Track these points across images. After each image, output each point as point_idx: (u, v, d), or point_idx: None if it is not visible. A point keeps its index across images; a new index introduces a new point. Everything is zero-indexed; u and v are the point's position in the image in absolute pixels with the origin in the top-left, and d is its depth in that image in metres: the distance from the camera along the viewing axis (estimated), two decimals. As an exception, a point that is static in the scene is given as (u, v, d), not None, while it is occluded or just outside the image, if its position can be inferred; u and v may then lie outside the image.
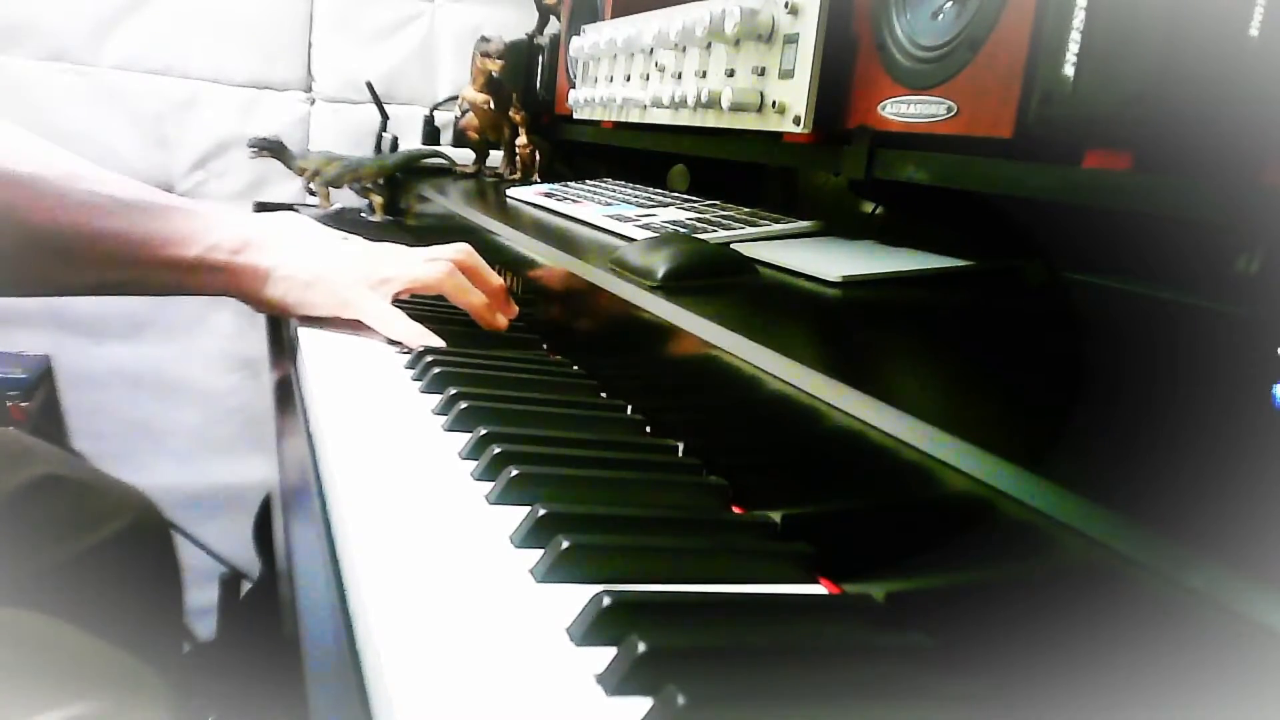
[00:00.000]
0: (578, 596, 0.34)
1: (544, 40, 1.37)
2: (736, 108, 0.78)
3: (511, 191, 1.13)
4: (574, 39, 1.17)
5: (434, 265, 0.73)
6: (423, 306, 0.76)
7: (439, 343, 0.68)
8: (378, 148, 1.63)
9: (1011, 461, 0.31)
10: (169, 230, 0.69)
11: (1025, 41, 0.54)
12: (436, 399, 0.57)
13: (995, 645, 0.31)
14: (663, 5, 0.92)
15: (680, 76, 0.89)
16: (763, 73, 0.76)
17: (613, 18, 1.12)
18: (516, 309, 0.77)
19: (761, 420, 0.45)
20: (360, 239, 0.77)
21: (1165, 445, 0.34)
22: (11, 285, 0.69)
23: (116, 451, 1.58)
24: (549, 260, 0.74)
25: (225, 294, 0.73)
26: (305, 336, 0.68)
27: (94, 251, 0.67)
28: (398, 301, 0.71)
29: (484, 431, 0.49)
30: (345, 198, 1.44)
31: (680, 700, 0.27)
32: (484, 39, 1.27)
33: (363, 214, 1.40)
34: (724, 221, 0.80)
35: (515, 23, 1.49)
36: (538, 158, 1.35)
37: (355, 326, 0.71)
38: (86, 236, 0.66)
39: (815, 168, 0.92)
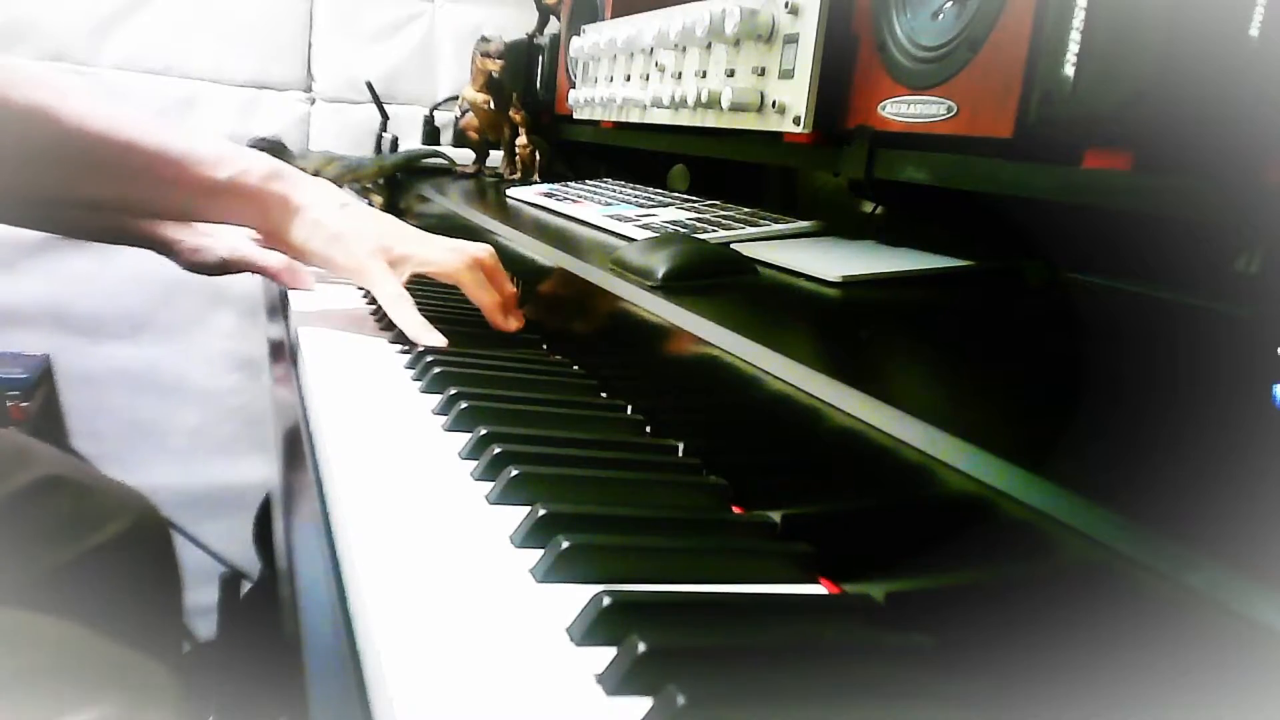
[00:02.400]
0: (578, 596, 0.34)
1: (544, 40, 1.37)
2: (736, 108, 0.78)
3: (511, 191, 1.13)
4: (574, 39, 1.17)
5: (454, 254, 0.72)
6: (431, 303, 0.76)
7: (440, 341, 0.67)
8: (378, 148, 1.63)
9: (1011, 461, 0.31)
10: (202, 149, 0.68)
11: (1025, 41, 0.54)
12: (436, 399, 0.57)
13: (995, 645, 0.31)
14: (663, 5, 0.92)
15: (680, 76, 0.89)
16: (763, 73, 0.76)
17: (613, 18, 1.12)
18: (523, 320, 0.77)
19: (761, 420, 0.45)
20: (375, 211, 0.77)
21: (1165, 445, 0.34)
22: (36, 193, 0.68)
23: (116, 452, 1.59)
24: (549, 260, 0.74)
25: (249, 224, 0.71)
26: (305, 336, 0.68)
27: (123, 163, 0.65)
28: (409, 287, 0.71)
29: (484, 431, 0.49)
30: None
31: (680, 700, 0.27)
32: (484, 39, 1.27)
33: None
34: (724, 221, 0.80)
35: (515, 23, 1.49)
36: (538, 158, 1.35)
37: (355, 326, 0.71)
38: (117, 146, 0.65)
39: (815, 168, 0.92)
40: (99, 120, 0.64)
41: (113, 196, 0.68)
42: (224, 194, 0.68)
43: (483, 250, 0.74)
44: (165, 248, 0.84)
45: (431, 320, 0.70)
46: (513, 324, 0.75)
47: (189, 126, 0.69)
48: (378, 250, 0.70)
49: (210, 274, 0.86)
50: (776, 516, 0.44)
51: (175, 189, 0.67)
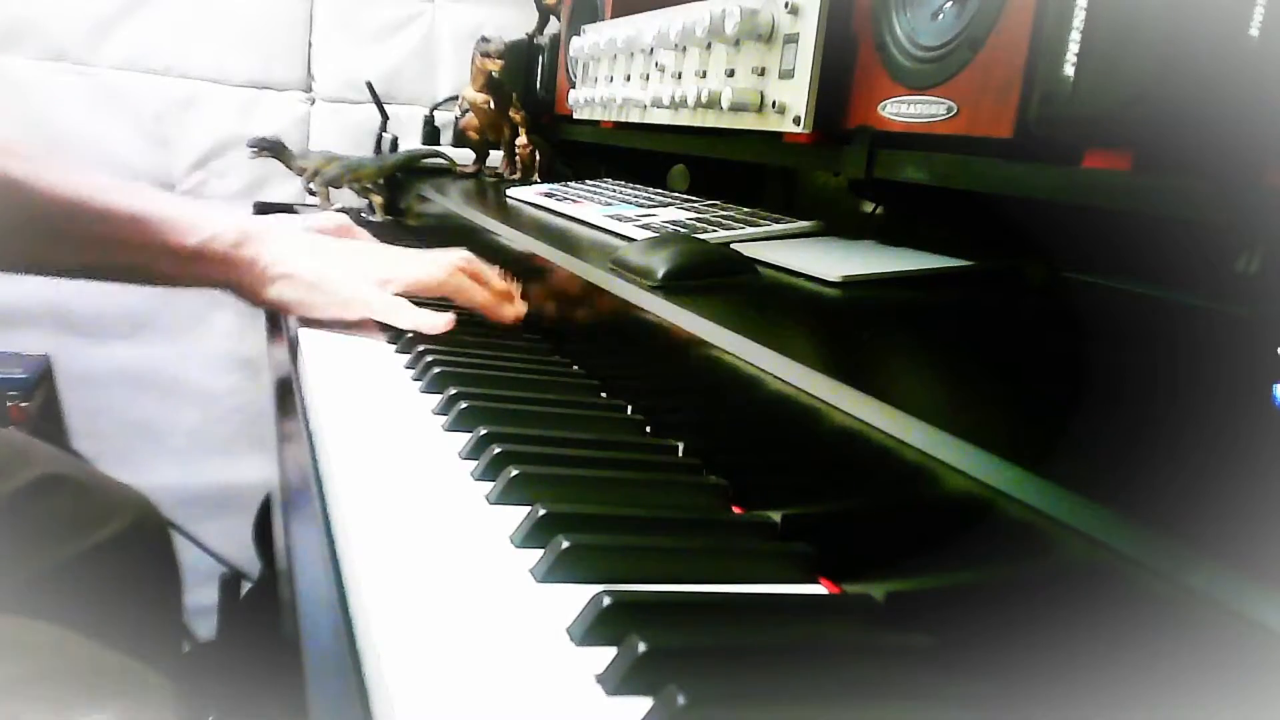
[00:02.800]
0: (578, 596, 0.34)
1: (544, 40, 1.37)
2: (736, 108, 0.78)
3: (511, 191, 1.13)
4: (574, 39, 1.17)
5: (435, 267, 0.73)
6: (426, 306, 0.76)
7: (450, 323, 0.68)
8: (378, 148, 1.63)
9: (1011, 461, 0.31)
10: (172, 214, 0.69)
11: (1025, 41, 0.54)
12: (437, 399, 0.57)
13: (995, 645, 0.31)
14: (663, 5, 0.92)
15: (680, 76, 0.89)
16: (763, 73, 0.76)
17: (613, 18, 1.12)
18: (524, 308, 0.77)
19: (761, 420, 0.45)
20: (354, 240, 0.77)
21: (1165, 445, 0.34)
22: (10, 262, 0.68)
23: (116, 451, 1.59)
24: (549, 260, 0.74)
25: (224, 287, 0.72)
26: (305, 336, 0.68)
27: (96, 230, 0.67)
28: None
29: (484, 431, 0.49)
30: (345, 198, 1.44)
31: (680, 700, 0.27)
32: (484, 39, 1.27)
33: (363, 214, 1.40)
34: (724, 221, 0.80)
35: (515, 23, 1.49)
36: (538, 158, 1.35)
37: (355, 326, 0.71)
38: (89, 214, 0.66)
39: (815, 168, 0.92)
40: (70, 189, 0.65)
41: (85, 264, 0.69)
42: (196, 259, 0.69)
43: (461, 256, 0.74)
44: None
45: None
46: (512, 311, 0.75)
47: (166, 195, 0.70)
48: (360, 281, 0.71)
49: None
50: (776, 516, 0.44)
51: (149, 255, 0.68)
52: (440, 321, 0.68)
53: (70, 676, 0.62)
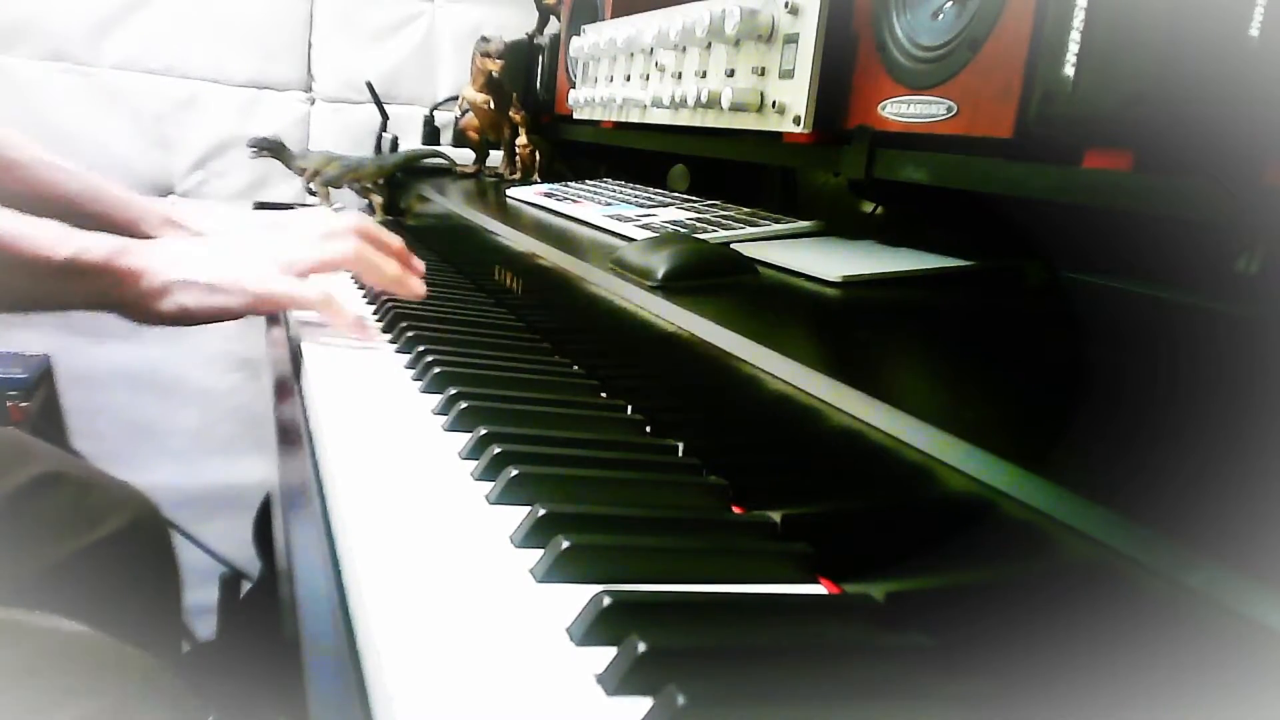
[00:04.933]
0: (578, 596, 0.34)
1: (544, 40, 1.37)
2: (736, 108, 0.78)
3: (511, 191, 1.13)
4: (574, 39, 1.17)
5: (339, 242, 0.69)
6: (418, 309, 0.76)
7: (376, 330, 0.66)
8: (378, 148, 1.62)
9: (1011, 461, 0.31)
10: (36, 228, 0.62)
11: (1025, 41, 0.54)
12: (437, 399, 0.57)
13: (995, 645, 0.31)
14: (663, 5, 0.92)
15: (680, 76, 0.89)
16: (763, 73, 0.76)
17: (613, 18, 1.12)
18: (422, 265, 0.75)
19: (761, 420, 0.45)
20: (252, 222, 0.74)
21: (1165, 445, 0.34)
22: None
23: (116, 451, 1.58)
24: (549, 260, 0.74)
25: (103, 307, 0.65)
26: (305, 336, 0.68)
27: None
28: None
29: (484, 431, 0.49)
30: (345, 198, 1.44)
31: (680, 700, 0.27)
32: (484, 39, 1.27)
33: (363, 214, 1.40)
34: (724, 221, 0.80)
35: (515, 23, 1.49)
36: (538, 158, 1.35)
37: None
38: None
39: (815, 168, 0.92)
40: None
41: None
42: (64, 276, 0.62)
43: (359, 221, 0.71)
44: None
45: (425, 325, 0.70)
46: (419, 284, 0.72)
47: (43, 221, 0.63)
48: (266, 271, 0.66)
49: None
50: (776, 516, 0.44)
51: (11, 275, 0.61)
52: (369, 332, 0.66)
53: (67, 663, 0.62)
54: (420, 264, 0.76)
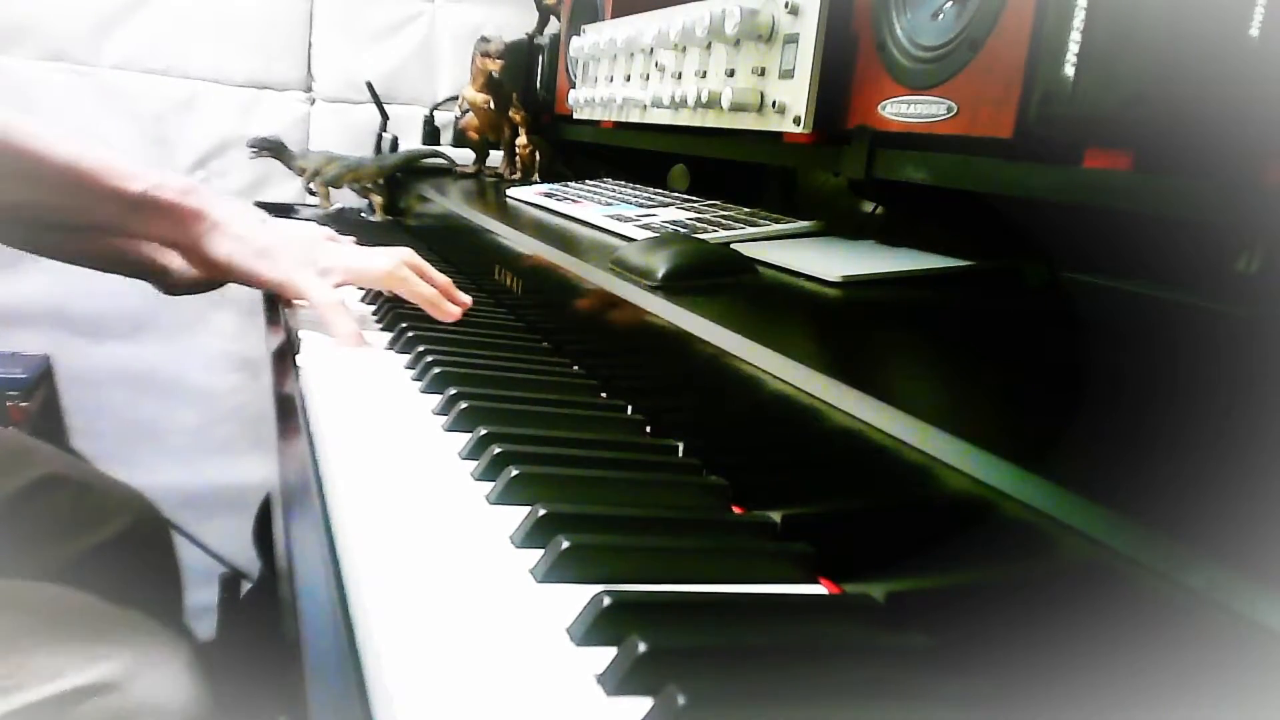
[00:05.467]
0: (578, 596, 0.34)
1: (544, 40, 1.37)
2: (736, 108, 0.78)
3: (511, 191, 1.13)
4: (574, 39, 1.17)
5: (381, 259, 0.73)
6: (419, 312, 0.76)
7: (368, 347, 0.67)
8: (378, 148, 1.62)
9: (1011, 461, 0.31)
10: (116, 163, 0.68)
11: (1025, 41, 0.54)
12: (437, 399, 0.57)
13: (995, 645, 0.31)
14: (663, 5, 0.92)
15: (680, 76, 0.89)
16: (763, 73, 0.76)
17: (613, 18, 1.12)
18: (469, 300, 0.76)
19: (761, 420, 0.45)
20: (304, 224, 0.77)
21: (1165, 445, 0.34)
22: None
23: (116, 451, 1.58)
24: (549, 260, 0.74)
25: (168, 239, 0.72)
26: (305, 336, 0.68)
27: (36, 173, 0.66)
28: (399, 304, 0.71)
29: (484, 431, 0.49)
30: (345, 198, 1.44)
31: (680, 700, 0.27)
32: (484, 39, 1.27)
33: (363, 214, 1.40)
34: (724, 221, 0.80)
35: (515, 23, 1.49)
36: (538, 158, 1.35)
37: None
38: (29, 157, 0.65)
39: (815, 168, 0.92)
40: (14, 135, 0.65)
41: (27, 201, 0.68)
42: (139, 207, 0.69)
43: (405, 252, 0.75)
44: (151, 273, 0.81)
45: (425, 325, 0.70)
46: (455, 309, 0.74)
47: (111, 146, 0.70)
48: (305, 262, 0.71)
49: (198, 290, 0.82)
50: (776, 516, 0.44)
51: (92, 201, 0.68)
52: (352, 336, 0.67)
53: (78, 630, 0.63)
54: (466, 299, 0.76)
